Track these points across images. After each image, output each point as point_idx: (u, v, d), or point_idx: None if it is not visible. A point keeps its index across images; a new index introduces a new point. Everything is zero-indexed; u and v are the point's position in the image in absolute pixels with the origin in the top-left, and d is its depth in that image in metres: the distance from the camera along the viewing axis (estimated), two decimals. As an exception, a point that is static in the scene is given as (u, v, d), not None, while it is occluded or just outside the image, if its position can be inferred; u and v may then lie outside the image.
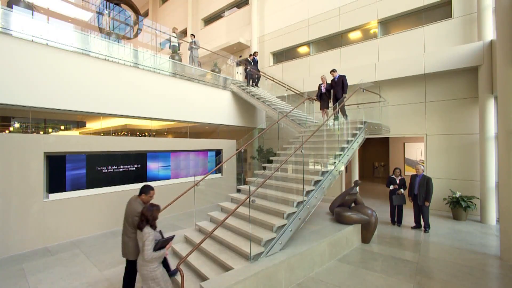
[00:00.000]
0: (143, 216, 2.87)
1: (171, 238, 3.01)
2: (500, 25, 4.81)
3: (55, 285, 3.86)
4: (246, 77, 10.41)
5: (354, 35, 9.72)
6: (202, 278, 3.51)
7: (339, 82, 7.04)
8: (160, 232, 3.08)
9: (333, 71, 7.28)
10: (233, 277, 3.17)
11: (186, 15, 16.67)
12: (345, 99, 6.58)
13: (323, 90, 7.64)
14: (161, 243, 2.84)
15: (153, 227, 2.90)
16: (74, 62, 6.00)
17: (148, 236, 2.76)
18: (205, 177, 5.18)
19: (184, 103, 8.28)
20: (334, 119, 6.70)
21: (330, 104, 7.59)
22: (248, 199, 3.81)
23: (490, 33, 6.73)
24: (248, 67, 10.02)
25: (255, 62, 10.45)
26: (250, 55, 10.76)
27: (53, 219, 5.50)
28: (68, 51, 5.94)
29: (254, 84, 10.27)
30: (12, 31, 5.26)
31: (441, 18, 7.77)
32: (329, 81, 7.51)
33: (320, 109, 7.89)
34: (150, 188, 3.28)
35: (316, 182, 4.76)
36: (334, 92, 7.21)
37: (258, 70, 10.68)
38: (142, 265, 2.82)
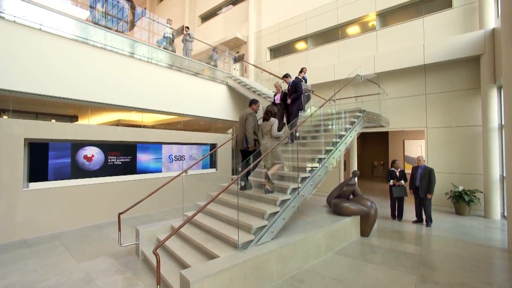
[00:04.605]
0: (269, 111, 4.37)
1: (284, 125, 4.96)
2: (505, 10, 4.57)
3: (26, 277, 3.54)
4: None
5: (353, 28, 9.53)
6: (186, 267, 3.20)
7: (292, 89, 5.74)
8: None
9: (285, 76, 5.94)
10: (217, 265, 2.86)
11: (183, 13, 16.52)
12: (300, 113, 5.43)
13: (277, 101, 6.15)
14: (281, 126, 4.66)
15: (274, 117, 4.40)
16: (68, 48, 5.75)
17: (275, 121, 4.30)
18: (194, 164, 4.91)
19: (179, 95, 8.02)
20: (291, 141, 5.47)
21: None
22: (236, 182, 3.52)
23: (492, 21, 6.53)
24: (308, 90, 7.58)
25: (305, 81, 8.13)
26: (300, 72, 8.17)
27: (33, 210, 5.17)
28: (61, 36, 5.68)
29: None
30: (5, 14, 5.00)
31: (440, 8, 7.59)
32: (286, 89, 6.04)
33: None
34: (257, 100, 4.79)
35: (312, 169, 4.48)
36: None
37: (310, 91, 8.05)
38: (267, 144, 4.22)
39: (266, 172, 4.16)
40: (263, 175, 4.38)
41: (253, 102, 4.75)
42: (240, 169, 4.08)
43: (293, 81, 5.84)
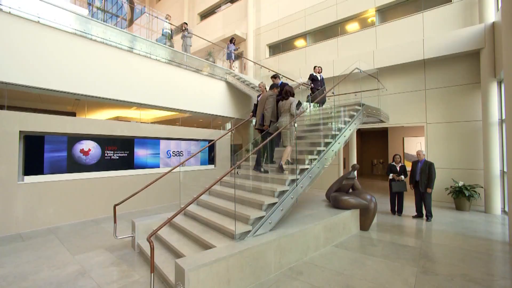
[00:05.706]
0: (288, 91, 4.60)
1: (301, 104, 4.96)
2: (505, 4, 4.51)
3: (19, 268, 3.47)
4: (308, 101, 6.66)
5: (352, 24, 9.49)
6: (182, 258, 3.14)
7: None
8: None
9: (274, 77, 5.52)
10: (213, 254, 2.80)
11: (182, 11, 16.49)
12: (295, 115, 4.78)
13: None
14: (299, 105, 4.74)
15: (293, 96, 4.64)
16: (67, 41, 5.69)
17: (294, 100, 4.53)
18: (191, 156, 4.85)
19: (177, 91, 7.94)
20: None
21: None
22: (233, 171, 3.46)
23: (491, 15, 6.49)
24: (305, 85, 7.01)
25: (321, 79, 7.25)
26: (315, 67, 7.30)
27: (29, 204, 5.10)
28: (60, 30, 5.61)
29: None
30: (3, 6, 4.94)
31: (440, 3, 7.56)
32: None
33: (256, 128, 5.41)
34: (277, 85, 5.07)
35: (311, 161, 4.42)
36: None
37: (309, 85, 7.30)
38: (285, 121, 4.51)
39: (280, 163, 4.37)
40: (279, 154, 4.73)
41: (275, 86, 5.05)
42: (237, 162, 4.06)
43: (281, 83, 5.37)
